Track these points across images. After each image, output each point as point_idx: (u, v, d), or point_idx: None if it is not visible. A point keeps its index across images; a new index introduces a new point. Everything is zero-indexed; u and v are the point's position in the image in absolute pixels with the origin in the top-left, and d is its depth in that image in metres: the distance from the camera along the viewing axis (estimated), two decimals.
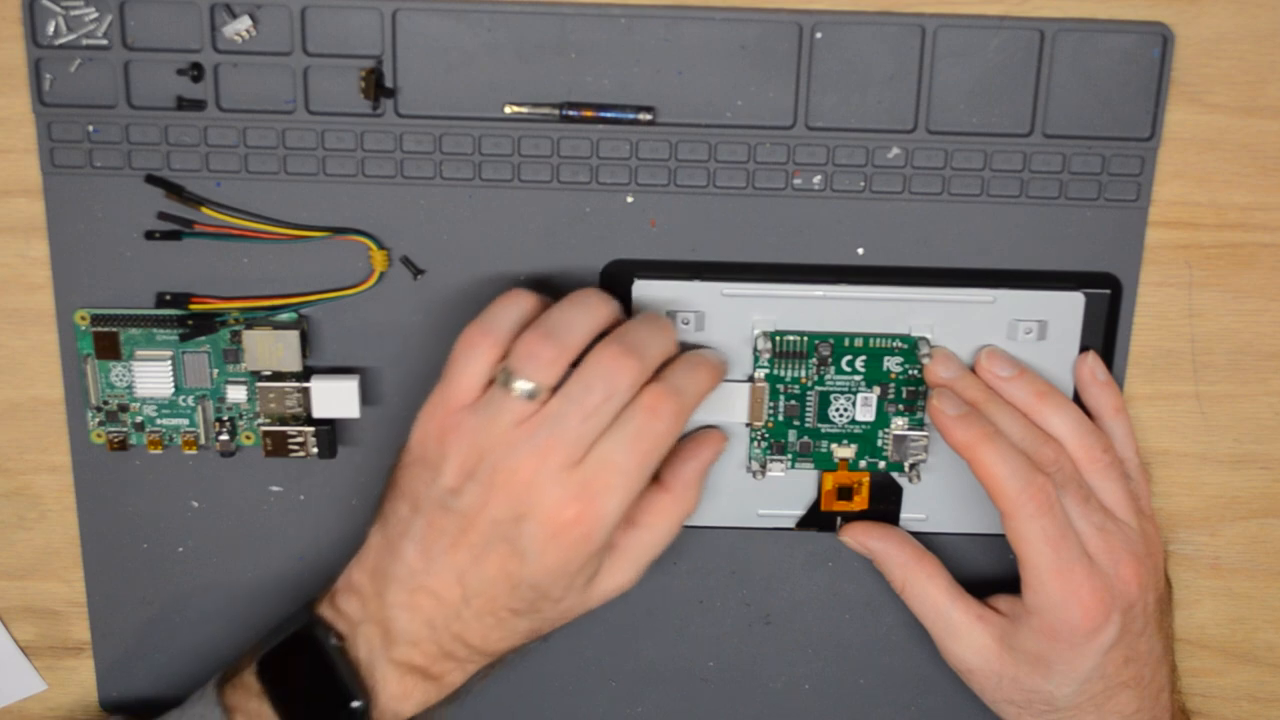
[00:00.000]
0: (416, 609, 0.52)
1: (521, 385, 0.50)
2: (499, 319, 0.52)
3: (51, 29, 0.54)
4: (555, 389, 0.51)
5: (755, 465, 0.59)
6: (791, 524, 0.61)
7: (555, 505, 0.50)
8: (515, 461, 0.50)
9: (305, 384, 0.58)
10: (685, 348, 0.57)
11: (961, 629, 0.58)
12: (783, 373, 0.58)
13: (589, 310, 0.52)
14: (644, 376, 0.51)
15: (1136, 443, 0.59)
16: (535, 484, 0.50)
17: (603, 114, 0.55)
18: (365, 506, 0.61)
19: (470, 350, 0.52)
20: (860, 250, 0.57)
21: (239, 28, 0.54)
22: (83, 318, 0.58)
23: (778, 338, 0.58)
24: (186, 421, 0.59)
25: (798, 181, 0.57)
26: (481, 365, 0.52)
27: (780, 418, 0.59)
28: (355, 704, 0.53)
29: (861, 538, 0.60)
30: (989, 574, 0.61)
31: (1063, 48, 0.55)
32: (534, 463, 0.50)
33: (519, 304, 0.53)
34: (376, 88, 0.55)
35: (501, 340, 0.52)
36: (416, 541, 0.52)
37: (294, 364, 0.58)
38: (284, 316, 0.58)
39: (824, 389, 0.59)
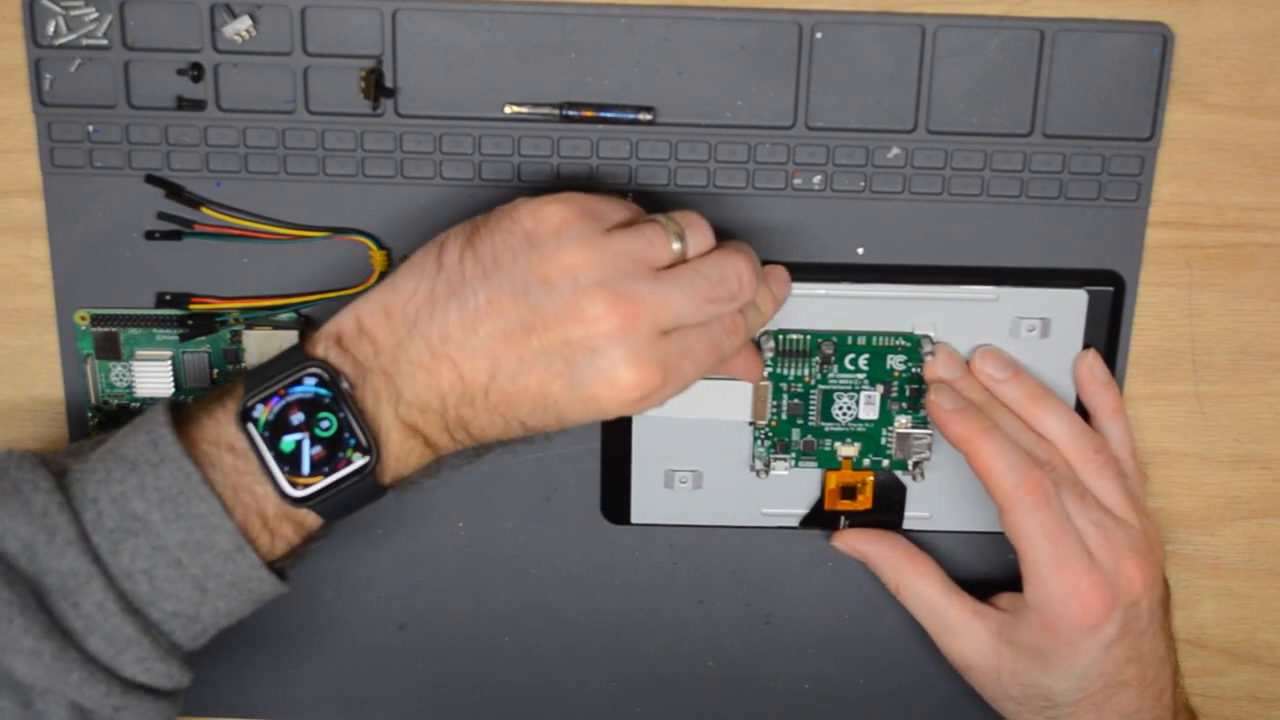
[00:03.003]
0: (434, 376, 0.48)
1: (677, 241, 0.50)
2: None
3: (51, 29, 0.54)
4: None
5: (759, 464, 0.59)
6: (795, 523, 0.61)
7: (627, 362, 0.47)
8: (632, 290, 0.48)
9: None
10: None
11: (958, 626, 0.58)
12: (786, 371, 0.58)
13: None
14: (748, 299, 0.51)
15: (1134, 444, 0.59)
16: (628, 329, 0.47)
17: (603, 114, 0.55)
18: None
19: (621, 201, 0.51)
20: (860, 250, 0.57)
21: (239, 28, 0.54)
22: (83, 318, 0.58)
23: (780, 336, 0.58)
24: None
25: (798, 181, 0.57)
26: (627, 215, 0.50)
27: (784, 416, 0.59)
28: (366, 459, 0.49)
29: (853, 542, 0.60)
30: (994, 571, 0.61)
31: (1063, 48, 0.55)
32: (646, 307, 0.48)
33: None
34: (376, 88, 0.55)
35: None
36: (467, 310, 0.48)
37: None
38: (284, 316, 0.58)
39: (827, 387, 0.59)
